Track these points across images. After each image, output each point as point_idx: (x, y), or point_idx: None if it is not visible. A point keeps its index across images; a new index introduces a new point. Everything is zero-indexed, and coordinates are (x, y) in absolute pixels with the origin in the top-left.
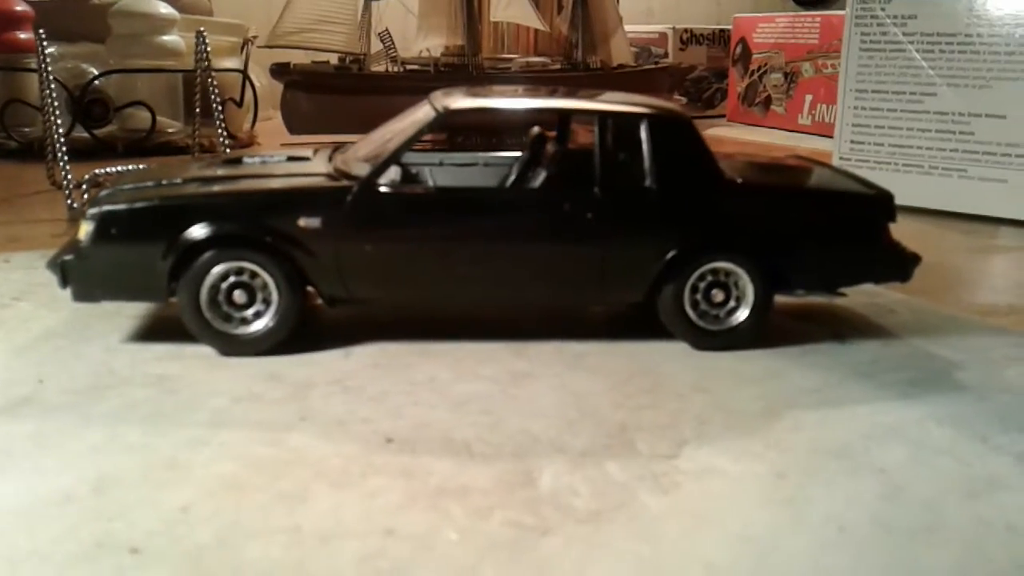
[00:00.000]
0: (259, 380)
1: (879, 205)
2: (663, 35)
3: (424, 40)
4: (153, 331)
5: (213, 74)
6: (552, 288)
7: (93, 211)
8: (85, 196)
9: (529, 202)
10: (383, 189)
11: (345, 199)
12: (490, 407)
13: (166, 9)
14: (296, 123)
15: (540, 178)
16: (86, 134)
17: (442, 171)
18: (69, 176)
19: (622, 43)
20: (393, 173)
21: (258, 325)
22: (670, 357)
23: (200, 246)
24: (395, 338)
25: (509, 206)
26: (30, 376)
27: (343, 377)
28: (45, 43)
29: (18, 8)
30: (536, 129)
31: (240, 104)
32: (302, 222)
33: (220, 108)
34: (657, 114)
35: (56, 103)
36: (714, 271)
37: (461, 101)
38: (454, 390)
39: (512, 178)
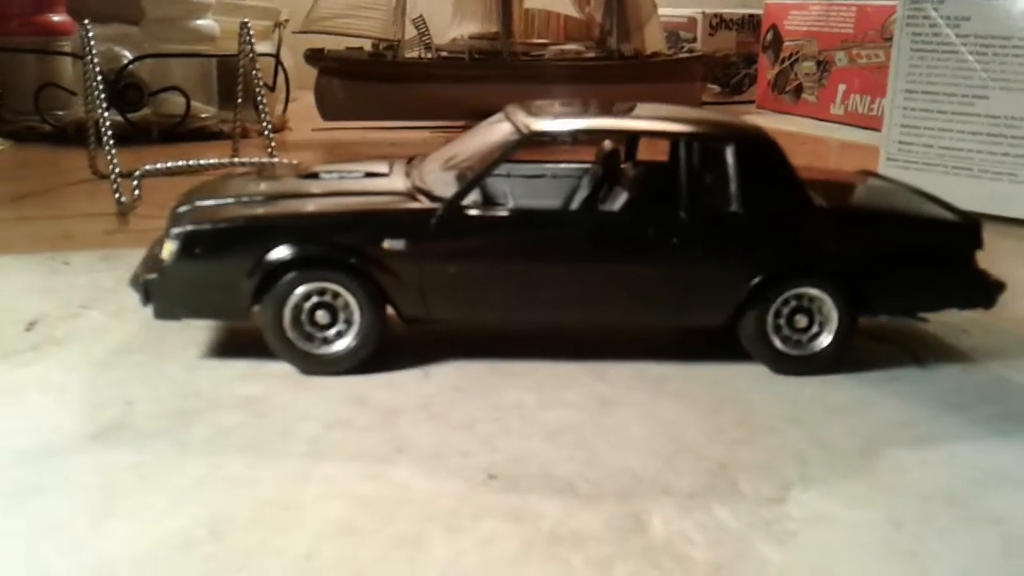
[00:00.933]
0: (346, 404)
1: (967, 232)
2: (692, 19)
3: (459, 27)
4: (228, 346)
5: (257, 64)
6: (633, 310)
7: (176, 231)
8: (136, 192)
9: (613, 225)
10: (469, 211)
11: (430, 221)
12: (583, 438)
13: None
14: (330, 109)
15: (621, 199)
16: (120, 118)
17: (512, 183)
18: (117, 170)
19: (656, 30)
20: (475, 193)
21: (340, 345)
22: (754, 383)
23: (285, 266)
24: (472, 356)
25: (594, 229)
26: (116, 397)
27: (427, 402)
28: (91, 34)
29: None
30: (608, 144)
31: (273, 88)
32: (387, 244)
33: (262, 96)
34: (746, 137)
35: (102, 93)
36: (798, 296)
37: (545, 122)
38: (543, 418)
39: (586, 194)
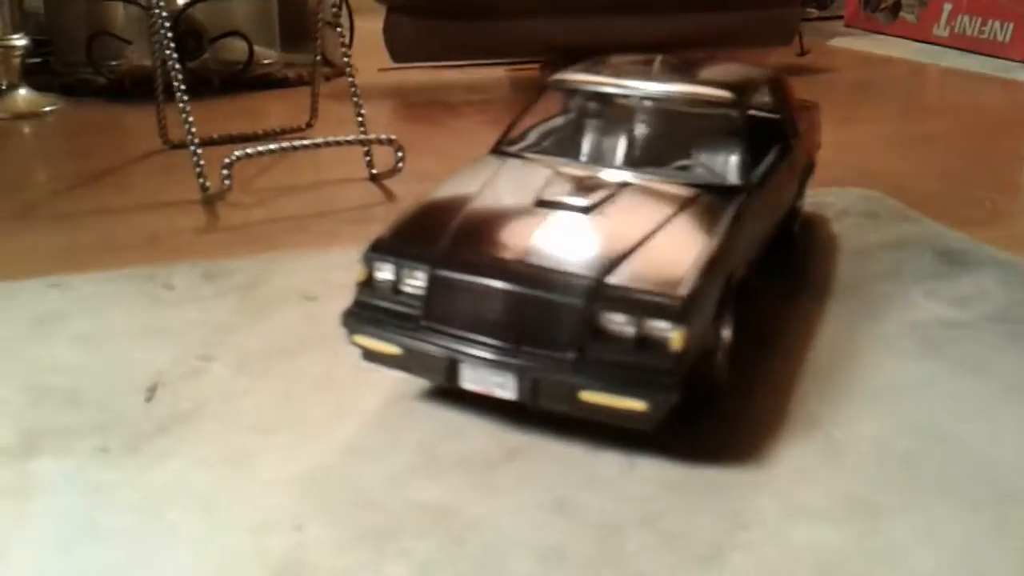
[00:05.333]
0: (550, 516)
1: None
2: None
3: None
4: (377, 416)
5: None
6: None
7: (678, 313)
8: (225, 182)
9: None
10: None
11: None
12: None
13: None
14: (400, 51)
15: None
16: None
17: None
18: (199, 150)
19: None
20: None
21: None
22: None
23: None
24: (678, 433)
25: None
26: (280, 516)
27: (648, 512)
28: None
29: None
30: None
31: (339, 27)
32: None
33: (342, 36)
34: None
35: (171, 43)
36: None
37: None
38: (795, 539)
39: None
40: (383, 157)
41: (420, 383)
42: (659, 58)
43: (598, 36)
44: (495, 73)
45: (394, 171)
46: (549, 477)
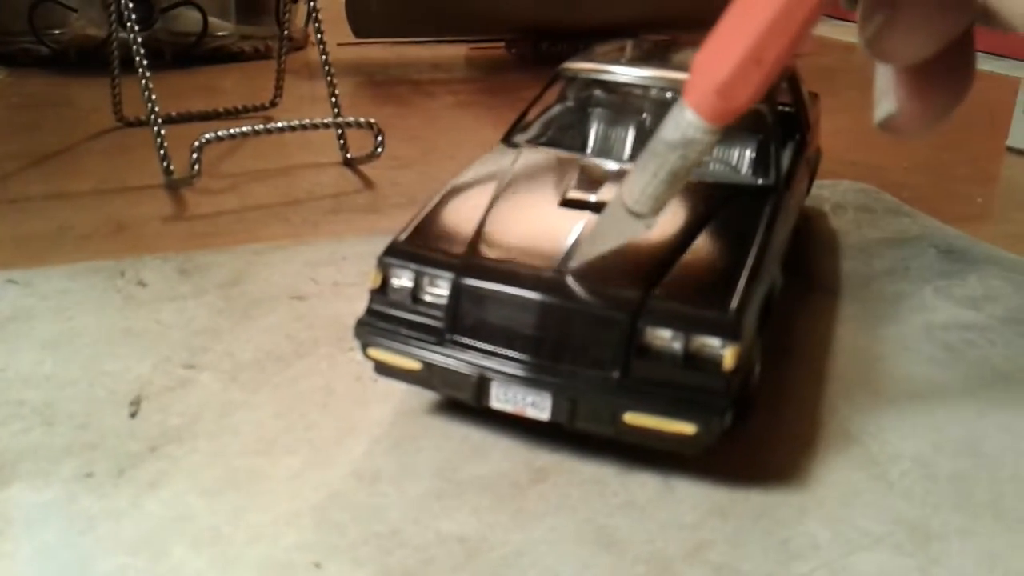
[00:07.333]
0: (593, 548)
1: None
2: None
3: None
4: (387, 436)
5: None
6: None
7: (731, 329)
8: (195, 167)
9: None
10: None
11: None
12: None
13: None
14: (363, 25)
15: None
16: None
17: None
18: (162, 132)
19: None
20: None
21: None
22: None
23: None
24: (718, 457)
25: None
26: (294, 550)
27: (697, 542)
28: None
29: None
30: None
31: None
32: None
33: (314, 9)
34: None
35: (134, 22)
36: None
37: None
38: (855, 569)
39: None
40: (354, 140)
41: (428, 395)
42: (675, 46)
43: (567, 15)
44: (458, 51)
45: (371, 156)
46: (583, 502)
